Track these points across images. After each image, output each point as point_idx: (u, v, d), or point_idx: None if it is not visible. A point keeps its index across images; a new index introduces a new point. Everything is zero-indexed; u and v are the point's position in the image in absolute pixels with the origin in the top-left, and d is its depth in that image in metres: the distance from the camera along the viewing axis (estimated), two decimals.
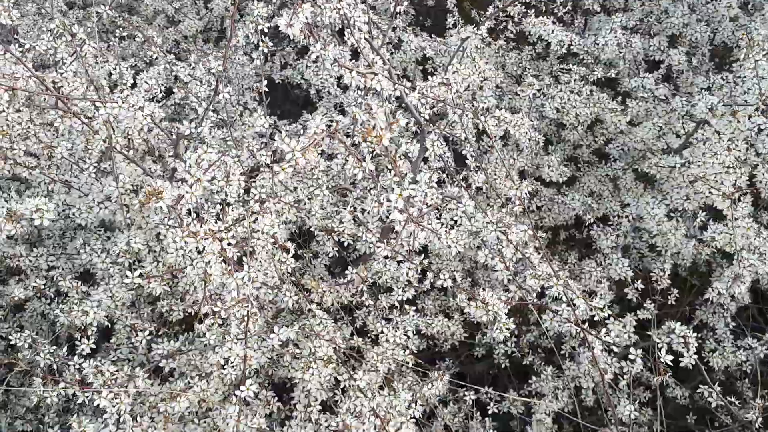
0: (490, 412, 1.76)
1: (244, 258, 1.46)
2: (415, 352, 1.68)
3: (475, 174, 2.01)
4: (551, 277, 1.39)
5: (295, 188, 1.83)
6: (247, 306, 1.35)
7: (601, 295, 1.96)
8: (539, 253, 1.53)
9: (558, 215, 2.31)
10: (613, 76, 2.43)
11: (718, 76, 2.28)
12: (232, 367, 1.42)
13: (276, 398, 1.59)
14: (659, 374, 1.36)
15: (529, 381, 1.89)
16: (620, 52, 2.50)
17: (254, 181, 1.70)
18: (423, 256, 1.65)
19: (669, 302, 1.98)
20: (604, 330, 1.37)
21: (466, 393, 1.71)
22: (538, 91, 2.24)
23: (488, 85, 2.27)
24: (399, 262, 1.72)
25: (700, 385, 1.70)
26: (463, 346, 2.13)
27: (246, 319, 1.37)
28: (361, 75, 1.47)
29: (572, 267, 2.16)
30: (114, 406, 1.40)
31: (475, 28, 2.03)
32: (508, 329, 1.30)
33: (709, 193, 1.74)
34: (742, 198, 1.74)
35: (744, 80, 1.88)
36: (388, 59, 1.90)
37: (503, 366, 2.04)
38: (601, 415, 1.85)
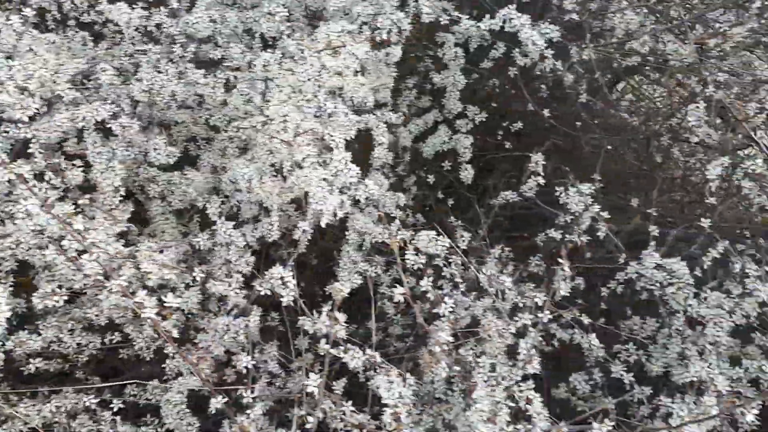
0: (115, 409, 1.67)
1: None
2: None
3: None
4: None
5: None
6: None
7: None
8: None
9: (182, 198, 2.28)
10: (202, 50, 2.45)
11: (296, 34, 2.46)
12: None
13: None
14: None
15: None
16: (216, 28, 2.54)
17: None
18: None
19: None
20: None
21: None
22: (118, 77, 2.15)
23: (62, 78, 2.11)
24: None
25: None
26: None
27: None
28: None
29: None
30: None
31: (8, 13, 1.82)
32: None
33: (278, 143, 1.88)
34: (309, 144, 1.90)
35: None
36: None
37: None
38: None
